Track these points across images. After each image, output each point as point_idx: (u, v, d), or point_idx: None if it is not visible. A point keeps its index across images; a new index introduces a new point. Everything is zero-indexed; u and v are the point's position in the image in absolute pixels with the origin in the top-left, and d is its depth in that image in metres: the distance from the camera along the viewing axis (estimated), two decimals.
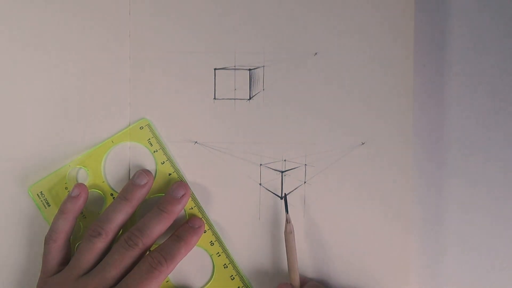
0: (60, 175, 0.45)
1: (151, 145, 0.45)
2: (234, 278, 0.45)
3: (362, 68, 0.45)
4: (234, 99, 0.46)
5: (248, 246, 0.46)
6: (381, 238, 0.45)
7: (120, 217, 0.43)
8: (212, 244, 0.45)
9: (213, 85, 0.46)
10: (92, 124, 0.45)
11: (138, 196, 0.44)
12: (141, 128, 0.45)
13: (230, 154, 0.46)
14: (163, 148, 0.45)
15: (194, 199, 0.45)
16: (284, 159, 0.46)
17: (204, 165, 0.46)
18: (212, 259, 0.45)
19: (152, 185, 0.44)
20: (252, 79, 0.46)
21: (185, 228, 0.44)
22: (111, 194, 0.45)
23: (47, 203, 0.45)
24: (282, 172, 0.46)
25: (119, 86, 0.45)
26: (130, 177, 0.45)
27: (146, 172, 0.44)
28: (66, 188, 0.45)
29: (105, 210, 0.43)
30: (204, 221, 0.45)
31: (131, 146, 0.45)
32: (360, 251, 0.46)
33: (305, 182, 0.46)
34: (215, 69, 0.46)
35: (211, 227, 0.45)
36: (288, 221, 0.44)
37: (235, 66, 0.46)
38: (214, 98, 0.46)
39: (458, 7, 0.47)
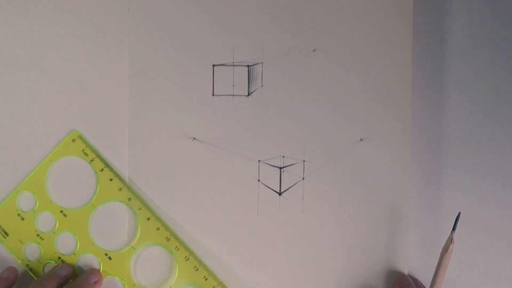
0: (10, 204, 0.46)
1: (86, 155, 0.45)
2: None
3: (361, 65, 0.45)
4: (233, 95, 0.46)
5: (246, 243, 0.46)
6: (380, 233, 0.46)
7: None
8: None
9: (212, 82, 0.46)
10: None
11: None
12: (74, 140, 0.45)
13: (228, 150, 0.46)
14: (98, 156, 0.45)
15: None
16: (282, 155, 0.46)
17: (203, 161, 0.46)
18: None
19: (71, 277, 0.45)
20: (251, 76, 0.46)
21: (80, 282, 0.44)
22: (61, 211, 0.46)
23: (5, 233, 0.46)
24: (280, 168, 0.46)
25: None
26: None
27: (68, 266, 0.45)
28: (18, 215, 0.46)
29: None
30: (102, 276, 0.45)
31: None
32: (359, 247, 0.46)
33: (303, 178, 0.46)
34: (213, 65, 0.46)
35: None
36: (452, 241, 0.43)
37: (233, 63, 0.46)
38: (213, 95, 0.46)
39: (457, 4, 0.46)
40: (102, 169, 0.46)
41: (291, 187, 0.46)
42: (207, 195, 0.46)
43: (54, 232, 0.46)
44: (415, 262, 0.47)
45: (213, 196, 0.46)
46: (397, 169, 0.45)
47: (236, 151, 0.46)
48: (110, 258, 0.46)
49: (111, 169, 0.46)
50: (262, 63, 0.46)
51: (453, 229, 0.42)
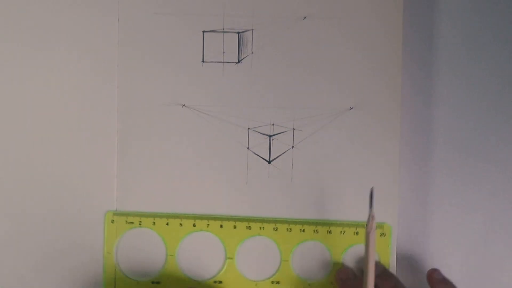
0: None
1: (132, 223, 0.46)
2: None
3: (351, 33, 0.45)
4: (223, 62, 0.45)
5: (234, 211, 0.46)
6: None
7: None
8: None
9: (202, 48, 0.45)
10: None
11: None
12: (113, 221, 0.45)
13: (218, 118, 0.46)
14: (142, 215, 0.46)
15: None
16: (272, 123, 0.46)
17: (192, 128, 0.45)
18: None
19: None
20: (241, 42, 0.45)
21: None
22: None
23: None
24: (270, 136, 0.46)
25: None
26: None
27: None
28: None
29: None
30: None
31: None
32: (347, 217, 0.45)
33: (293, 147, 0.46)
34: (203, 31, 0.45)
35: None
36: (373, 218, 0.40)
37: (223, 29, 0.45)
38: (202, 61, 0.45)
39: None
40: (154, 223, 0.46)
41: (280, 155, 0.46)
42: (196, 162, 0.45)
43: None
44: (403, 226, 0.46)
45: (202, 164, 0.45)
46: (387, 138, 0.45)
47: (225, 118, 0.46)
48: None
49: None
50: (252, 30, 0.45)
51: (370, 206, 0.41)
